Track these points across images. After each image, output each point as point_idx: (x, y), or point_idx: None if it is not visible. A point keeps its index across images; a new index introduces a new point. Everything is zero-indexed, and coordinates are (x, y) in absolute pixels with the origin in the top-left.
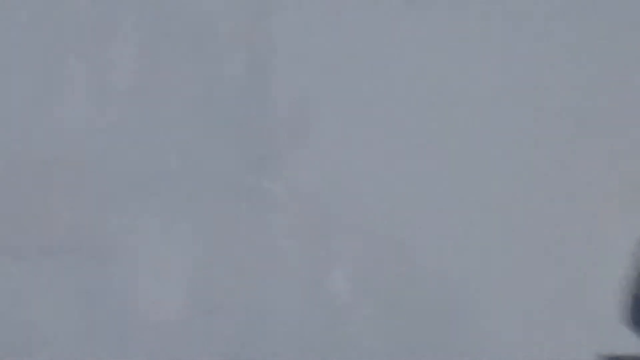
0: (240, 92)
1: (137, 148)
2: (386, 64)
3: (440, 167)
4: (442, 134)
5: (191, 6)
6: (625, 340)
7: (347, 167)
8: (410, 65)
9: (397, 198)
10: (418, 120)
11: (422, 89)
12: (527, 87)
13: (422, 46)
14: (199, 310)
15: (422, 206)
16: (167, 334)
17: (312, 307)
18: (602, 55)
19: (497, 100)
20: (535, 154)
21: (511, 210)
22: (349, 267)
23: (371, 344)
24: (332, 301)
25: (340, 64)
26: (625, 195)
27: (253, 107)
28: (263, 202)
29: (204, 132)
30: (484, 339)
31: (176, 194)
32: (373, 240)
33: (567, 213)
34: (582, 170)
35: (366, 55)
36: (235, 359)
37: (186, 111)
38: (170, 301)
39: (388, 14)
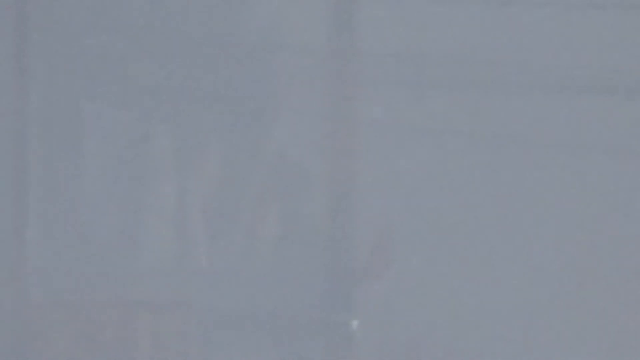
0: (324, 227)
1: (218, 287)
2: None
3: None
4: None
5: (272, 145)
6: None
7: (431, 305)
8: (496, 201)
9: (480, 333)
10: (498, 258)
11: (509, 229)
12: None
13: (506, 186)
14: None
15: (505, 336)
16: None
17: None
18: None
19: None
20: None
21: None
22: None
23: None
24: None
25: (419, 201)
26: None
27: (335, 245)
28: (346, 340)
29: (287, 269)
30: None
31: (259, 332)
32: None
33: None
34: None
35: (443, 194)
36: None
37: (267, 246)
38: None
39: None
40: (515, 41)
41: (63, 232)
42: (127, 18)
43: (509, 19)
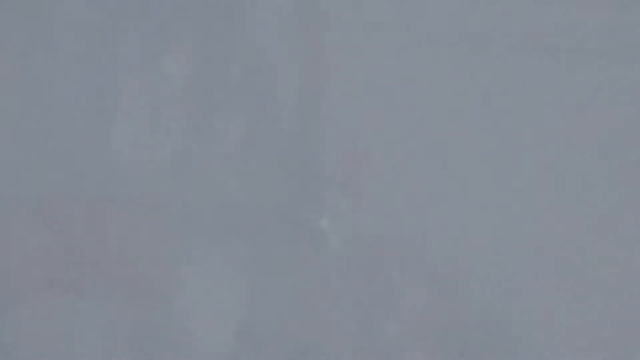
0: (294, 128)
1: (189, 184)
2: (441, 107)
3: (496, 210)
4: (497, 170)
5: (243, 39)
6: None
7: (402, 208)
8: (465, 106)
9: (449, 241)
10: (471, 163)
11: (476, 132)
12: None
13: (480, 90)
14: (249, 346)
15: (476, 248)
16: None
17: (362, 348)
18: None
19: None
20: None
21: (566, 252)
22: (401, 309)
23: None
24: (383, 344)
25: (397, 104)
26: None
27: (307, 143)
28: (318, 242)
29: (258, 167)
30: None
31: (229, 229)
32: (426, 283)
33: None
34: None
35: (421, 98)
36: None
37: (240, 147)
38: (221, 336)
39: (444, 56)
40: None
41: (32, 130)
42: None
43: None
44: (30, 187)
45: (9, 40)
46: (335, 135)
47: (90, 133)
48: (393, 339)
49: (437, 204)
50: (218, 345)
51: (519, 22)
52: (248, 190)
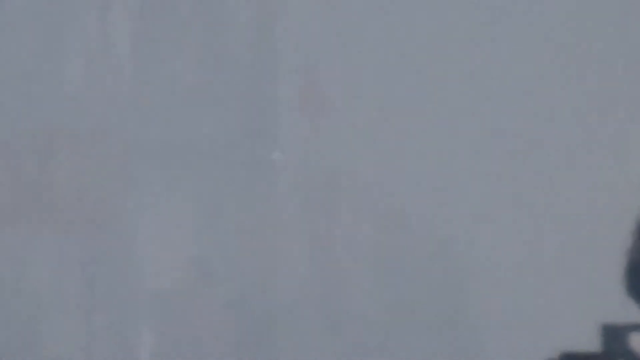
0: (247, 59)
1: (140, 116)
2: (400, 31)
3: (446, 134)
4: (452, 101)
5: None
6: (628, 309)
7: (355, 139)
8: (424, 32)
9: (402, 169)
10: (427, 90)
11: (434, 58)
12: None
13: (436, 15)
14: (201, 278)
15: (426, 175)
16: (169, 301)
17: (313, 274)
18: None
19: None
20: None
21: (514, 175)
22: (351, 235)
23: (371, 311)
24: (333, 269)
25: (352, 31)
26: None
27: (260, 75)
28: (267, 172)
29: (209, 99)
30: (484, 308)
31: (179, 162)
32: (376, 209)
33: (572, 176)
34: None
35: (378, 22)
36: (236, 326)
37: (191, 78)
38: (172, 269)
39: None
40: None
41: None
42: None
43: None
44: None
45: None
46: (290, 66)
47: (41, 66)
48: (344, 272)
49: (393, 138)
50: (167, 279)
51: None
52: (200, 123)
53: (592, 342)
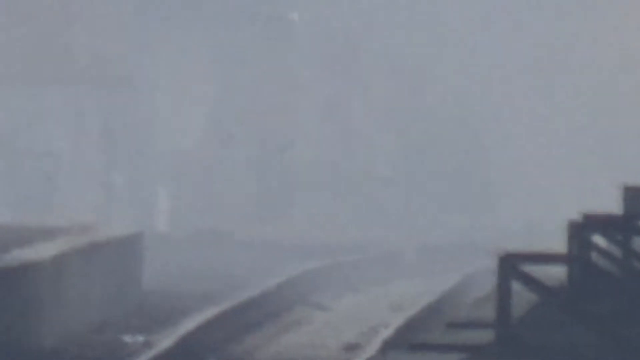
0: None
1: None
2: None
3: (466, 17)
4: None
5: None
6: None
7: (373, 7)
8: None
9: (418, 29)
10: None
11: None
12: None
13: None
14: (221, 138)
15: (442, 35)
16: (185, 162)
17: (330, 135)
18: None
19: None
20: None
21: (533, 39)
22: (369, 96)
23: (388, 171)
24: (351, 130)
25: None
26: None
27: None
28: (284, 32)
29: None
30: (498, 164)
31: (199, 21)
32: (394, 69)
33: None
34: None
35: None
36: (256, 184)
37: None
38: (189, 130)
39: None
40: None
41: None
42: None
43: None
44: None
45: None
46: None
47: None
48: (362, 133)
49: (406, 7)
50: (187, 138)
51: None
52: None
53: (606, 204)
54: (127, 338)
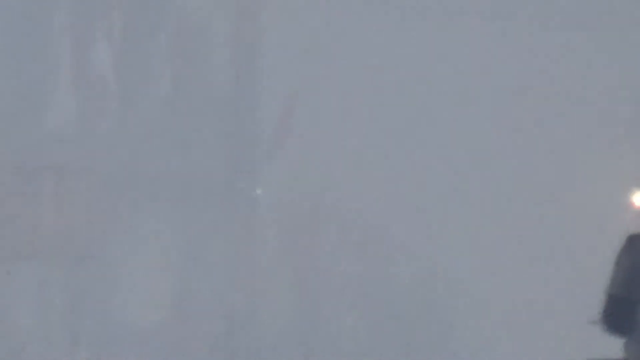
0: (228, 95)
1: (124, 154)
2: (378, 70)
3: (425, 168)
4: (432, 134)
5: (176, 7)
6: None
7: (334, 172)
8: (397, 65)
9: (385, 202)
10: (407, 123)
11: (409, 92)
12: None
13: (411, 48)
14: (184, 314)
15: (406, 207)
16: (151, 338)
17: (295, 310)
18: None
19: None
20: (537, 154)
21: (504, 213)
22: (332, 270)
23: (353, 346)
24: (318, 307)
25: (325, 66)
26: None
27: (240, 113)
28: (252, 210)
29: (195, 136)
30: (469, 338)
31: (162, 198)
32: (357, 243)
33: (559, 214)
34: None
35: (351, 58)
36: None
37: (174, 115)
38: (155, 305)
39: (380, 16)
40: None
41: None
42: None
43: None
44: None
45: None
46: (270, 103)
47: (27, 104)
48: (325, 304)
49: (371, 173)
50: (150, 311)
51: None
52: (182, 158)
53: None
54: None
